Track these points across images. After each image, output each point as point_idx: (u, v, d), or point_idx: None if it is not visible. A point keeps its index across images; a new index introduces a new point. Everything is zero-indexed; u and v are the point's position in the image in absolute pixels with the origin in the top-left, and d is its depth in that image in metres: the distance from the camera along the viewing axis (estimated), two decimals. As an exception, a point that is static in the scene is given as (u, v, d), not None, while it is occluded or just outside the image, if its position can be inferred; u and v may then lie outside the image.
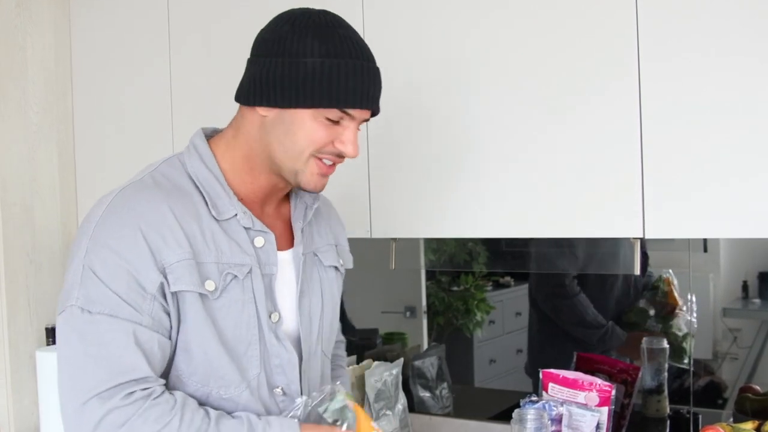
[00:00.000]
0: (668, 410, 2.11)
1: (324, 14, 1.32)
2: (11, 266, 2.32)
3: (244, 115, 1.35)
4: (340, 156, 1.33)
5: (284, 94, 1.27)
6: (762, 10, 1.50)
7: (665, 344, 2.11)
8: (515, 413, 1.82)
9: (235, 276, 1.31)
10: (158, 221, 1.27)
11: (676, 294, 2.15)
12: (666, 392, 2.10)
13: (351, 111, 1.29)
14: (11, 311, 2.31)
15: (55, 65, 2.44)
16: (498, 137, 1.77)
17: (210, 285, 1.28)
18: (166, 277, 1.25)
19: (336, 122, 1.30)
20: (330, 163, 1.34)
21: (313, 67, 1.25)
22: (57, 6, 2.44)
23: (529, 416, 1.74)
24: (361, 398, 2.01)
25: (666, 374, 2.10)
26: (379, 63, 1.67)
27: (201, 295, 1.28)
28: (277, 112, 1.30)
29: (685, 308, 2.13)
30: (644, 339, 2.14)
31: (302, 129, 1.29)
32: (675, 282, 2.14)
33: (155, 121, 2.29)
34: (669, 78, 1.59)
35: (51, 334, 2.37)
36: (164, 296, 1.26)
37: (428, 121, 1.84)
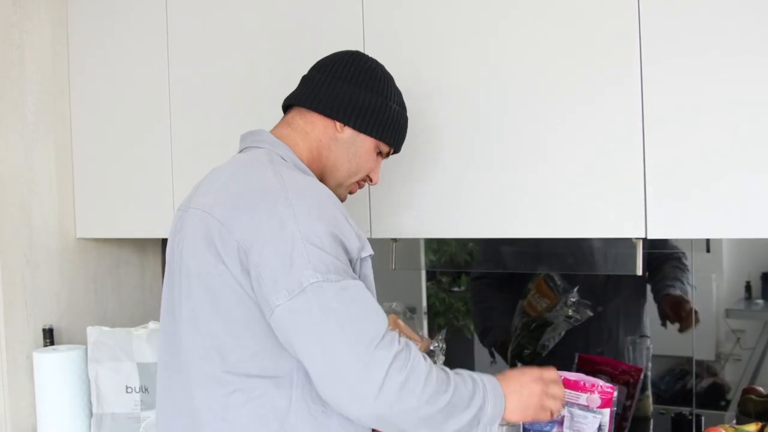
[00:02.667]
0: (651, 409, 2.11)
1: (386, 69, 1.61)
2: (8, 266, 2.31)
3: (316, 123, 1.53)
4: (366, 182, 1.63)
5: (372, 124, 1.53)
6: (763, 9, 1.50)
7: (648, 343, 2.11)
8: None
9: (371, 254, 1.44)
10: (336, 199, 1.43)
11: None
12: (650, 391, 2.10)
13: (392, 152, 1.62)
14: (8, 312, 2.30)
15: (52, 64, 2.43)
16: (500, 138, 1.77)
17: (370, 251, 1.42)
18: (363, 244, 1.39)
19: (378, 155, 1.59)
20: (360, 188, 1.63)
21: (394, 112, 1.56)
22: (54, 4, 2.43)
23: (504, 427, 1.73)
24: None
25: (650, 374, 2.10)
26: (384, 62, 1.69)
27: (371, 258, 1.43)
28: (353, 133, 1.53)
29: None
30: (628, 338, 2.15)
31: (366, 155, 1.56)
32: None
33: (153, 121, 2.29)
34: (671, 78, 1.59)
35: (48, 335, 2.37)
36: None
37: (429, 123, 1.83)
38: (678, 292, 2.08)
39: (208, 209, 1.40)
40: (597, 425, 1.84)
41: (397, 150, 1.63)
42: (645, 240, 1.70)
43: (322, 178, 1.53)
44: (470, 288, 2.47)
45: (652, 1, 1.60)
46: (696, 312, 2.07)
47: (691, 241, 2.01)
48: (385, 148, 1.59)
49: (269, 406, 1.36)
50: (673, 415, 2.07)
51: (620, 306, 2.22)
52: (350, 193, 1.63)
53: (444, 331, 1.73)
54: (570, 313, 2.16)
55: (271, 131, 1.55)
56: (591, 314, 2.15)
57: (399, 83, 1.64)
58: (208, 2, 2.17)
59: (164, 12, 2.24)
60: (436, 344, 1.68)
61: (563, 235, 1.73)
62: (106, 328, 2.24)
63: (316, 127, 1.53)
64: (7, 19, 2.31)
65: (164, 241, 2.73)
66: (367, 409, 1.27)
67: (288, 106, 1.59)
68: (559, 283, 2.20)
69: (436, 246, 2.34)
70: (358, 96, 1.52)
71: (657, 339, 2.12)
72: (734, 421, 1.93)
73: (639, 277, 2.05)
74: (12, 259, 2.32)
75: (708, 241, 2.02)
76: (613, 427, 1.89)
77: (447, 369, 1.37)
